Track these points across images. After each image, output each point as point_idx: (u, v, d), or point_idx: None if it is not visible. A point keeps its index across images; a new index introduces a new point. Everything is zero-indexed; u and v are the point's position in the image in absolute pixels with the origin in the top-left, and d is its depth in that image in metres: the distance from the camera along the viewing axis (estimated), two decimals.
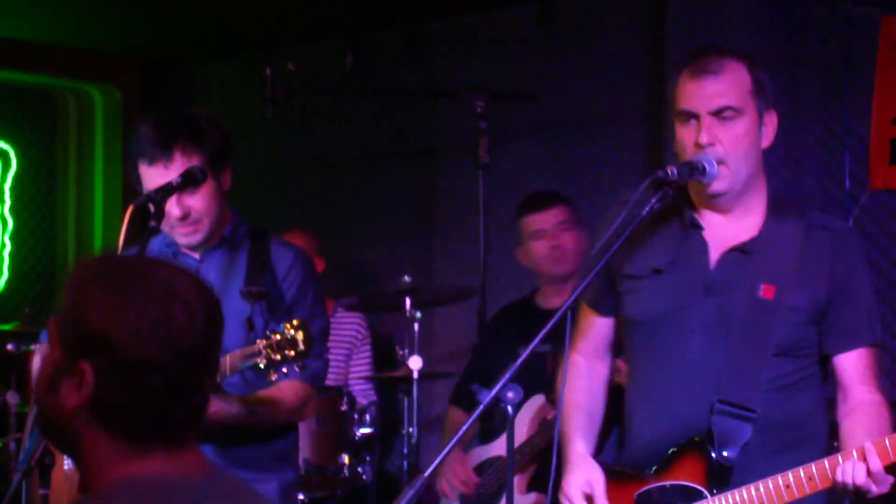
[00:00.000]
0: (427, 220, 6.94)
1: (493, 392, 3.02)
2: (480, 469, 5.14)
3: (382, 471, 6.20)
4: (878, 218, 5.05)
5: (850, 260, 3.33)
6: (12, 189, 7.49)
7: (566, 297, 4.93)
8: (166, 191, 3.71)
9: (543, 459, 4.78)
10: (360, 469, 5.72)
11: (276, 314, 3.87)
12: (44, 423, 2.21)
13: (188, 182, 3.75)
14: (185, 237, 3.86)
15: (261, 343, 3.46)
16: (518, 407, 4.82)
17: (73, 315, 2.13)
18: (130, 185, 3.87)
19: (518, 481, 4.97)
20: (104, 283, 2.14)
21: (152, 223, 3.67)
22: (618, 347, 3.65)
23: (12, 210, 7.47)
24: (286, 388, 3.84)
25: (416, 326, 5.43)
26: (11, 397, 5.90)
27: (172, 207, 3.77)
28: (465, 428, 2.99)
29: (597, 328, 3.60)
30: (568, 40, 6.29)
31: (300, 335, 3.42)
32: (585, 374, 3.59)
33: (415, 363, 5.35)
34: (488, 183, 5.52)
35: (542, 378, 4.87)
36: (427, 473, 2.90)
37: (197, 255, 3.97)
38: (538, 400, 4.96)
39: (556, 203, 5.17)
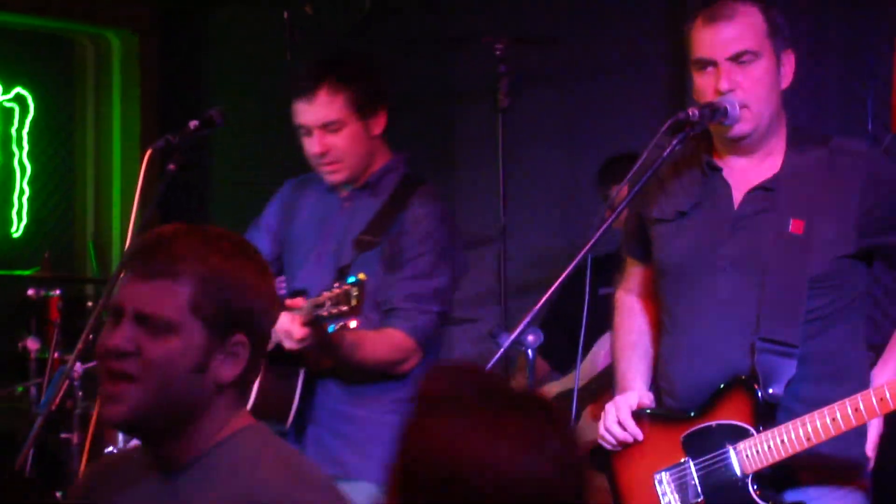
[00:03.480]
0: (446, 165, 6.91)
1: (513, 336, 3.04)
2: (557, 400, 5.18)
3: None
4: None
5: (883, 178, 3.33)
6: (30, 135, 7.47)
7: None
8: (184, 133, 3.73)
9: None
10: None
11: (395, 266, 3.94)
12: (172, 407, 2.28)
13: (206, 125, 3.76)
14: (326, 175, 4.01)
15: (325, 295, 3.55)
16: (592, 341, 4.92)
17: (223, 294, 2.27)
18: (148, 130, 3.89)
19: (594, 410, 5.00)
20: (246, 263, 2.34)
21: (171, 166, 3.69)
22: None
23: (30, 155, 7.46)
24: (387, 334, 3.92)
25: None
26: (32, 342, 5.90)
27: (312, 144, 3.94)
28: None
29: (639, 275, 3.65)
30: None
31: (355, 291, 3.47)
32: (638, 314, 3.64)
33: None
34: (508, 127, 5.49)
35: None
36: None
37: (346, 194, 4.07)
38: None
39: None
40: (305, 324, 3.65)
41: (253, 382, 2.43)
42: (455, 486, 1.63)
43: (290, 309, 3.72)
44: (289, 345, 3.71)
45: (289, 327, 3.67)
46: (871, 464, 3.38)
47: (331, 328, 3.57)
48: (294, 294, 4.00)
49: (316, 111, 3.93)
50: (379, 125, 4.03)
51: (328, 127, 3.92)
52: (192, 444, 2.30)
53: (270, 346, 3.76)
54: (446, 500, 1.61)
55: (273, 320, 2.41)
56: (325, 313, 3.55)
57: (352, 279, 3.50)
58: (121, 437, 3.88)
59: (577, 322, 4.33)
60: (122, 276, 2.36)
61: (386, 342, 3.91)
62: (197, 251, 2.28)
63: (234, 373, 2.30)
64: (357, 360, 3.83)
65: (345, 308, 3.50)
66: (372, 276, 3.83)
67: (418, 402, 1.71)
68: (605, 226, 3.19)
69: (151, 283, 2.26)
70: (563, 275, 3.12)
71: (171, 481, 2.33)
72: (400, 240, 3.96)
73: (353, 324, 3.55)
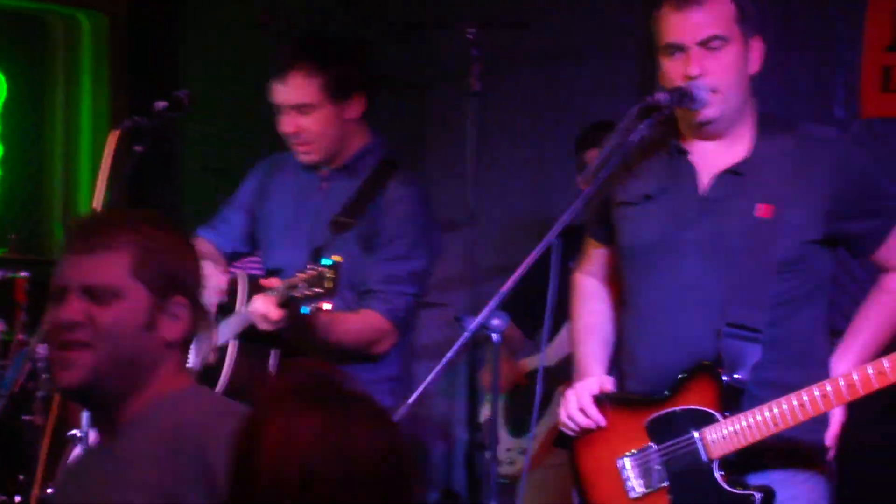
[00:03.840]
0: (418, 148, 6.90)
1: (479, 320, 3.05)
2: (531, 376, 5.18)
3: None
4: (869, 146, 5.03)
5: (851, 165, 3.36)
6: None
7: None
8: (153, 114, 3.73)
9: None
10: None
11: (372, 248, 3.94)
12: (126, 367, 2.39)
13: (174, 107, 3.76)
14: (299, 155, 4.02)
15: (299, 276, 3.55)
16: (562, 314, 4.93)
17: (160, 258, 2.41)
18: (118, 112, 3.87)
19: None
20: (174, 233, 2.50)
21: (138, 147, 3.68)
22: None
23: None
24: (363, 315, 3.94)
25: None
26: None
27: (285, 124, 3.96)
28: (449, 356, 3.02)
29: (600, 257, 3.64)
30: None
31: (329, 273, 3.47)
32: (598, 297, 3.63)
33: None
34: (479, 111, 5.48)
35: None
36: (410, 401, 2.92)
37: (324, 174, 4.08)
38: None
39: None
40: (280, 305, 3.66)
41: (191, 343, 2.54)
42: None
43: (264, 288, 3.74)
44: (263, 326, 3.72)
45: (264, 309, 3.68)
46: (832, 453, 3.39)
47: (304, 310, 3.58)
48: (269, 273, 4.01)
49: (288, 92, 3.94)
50: (354, 109, 4.03)
51: (300, 109, 3.93)
52: (137, 405, 2.41)
53: (244, 326, 3.79)
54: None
55: (201, 289, 2.56)
56: (299, 295, 3.56)
57: (327, 261, 3.51)
58: (84, 419, 3.86)
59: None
60: (61, 258, 2.46)
61: (361, 323, 3.93)
62: (130, 223, 2.43)
63: (179, 332, 2.44)
64: (332, 341, 3.84)
65: (319, 290, 3.51)
66: (347, 257, 3.84)
67: (256, 403, 1.84)
68: (569, 211, 3.19)
69: (92, 256, 2.38)
70: (529, 259, 3.13)
71: (112, 442, 2.43)
72: (377, 222, 3.97)
73: (326, 305, 3.56)
